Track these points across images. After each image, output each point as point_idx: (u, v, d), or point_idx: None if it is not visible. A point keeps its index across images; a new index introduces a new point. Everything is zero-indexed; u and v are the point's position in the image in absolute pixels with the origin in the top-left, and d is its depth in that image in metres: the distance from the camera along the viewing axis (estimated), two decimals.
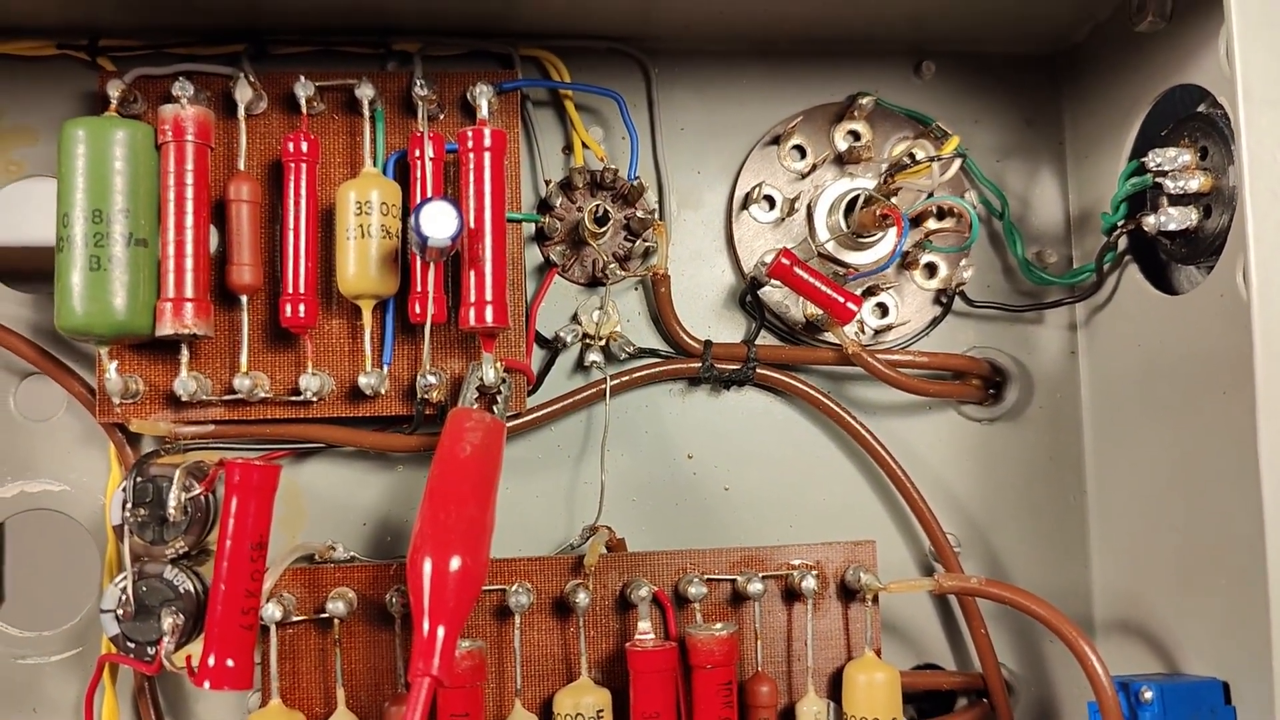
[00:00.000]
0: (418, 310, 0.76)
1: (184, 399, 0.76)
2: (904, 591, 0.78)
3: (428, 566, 0.66)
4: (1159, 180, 0.74)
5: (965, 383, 0.87)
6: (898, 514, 0.87)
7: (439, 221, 0.68)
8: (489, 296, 0.74)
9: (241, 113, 0.78)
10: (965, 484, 0.88)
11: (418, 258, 0.76)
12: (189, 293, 0.74)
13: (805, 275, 0.79)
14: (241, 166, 0.78)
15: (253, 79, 0.78)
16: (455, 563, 0.66)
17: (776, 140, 0.87)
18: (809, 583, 0.77)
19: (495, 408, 0.76)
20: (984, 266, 0.89)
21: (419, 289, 0.76)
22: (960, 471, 0.88)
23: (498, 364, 0.77)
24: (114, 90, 0.76)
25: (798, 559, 0.80)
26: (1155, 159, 0.74)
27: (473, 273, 0.74)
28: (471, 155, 0.75)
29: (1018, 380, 0.88)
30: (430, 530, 0.68)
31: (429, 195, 0.76)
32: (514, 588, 0.77)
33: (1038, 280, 0.86)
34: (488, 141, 0.75)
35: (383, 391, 0.78)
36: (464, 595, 0.67)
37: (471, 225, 0.75)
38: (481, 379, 0.76)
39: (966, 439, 0.89)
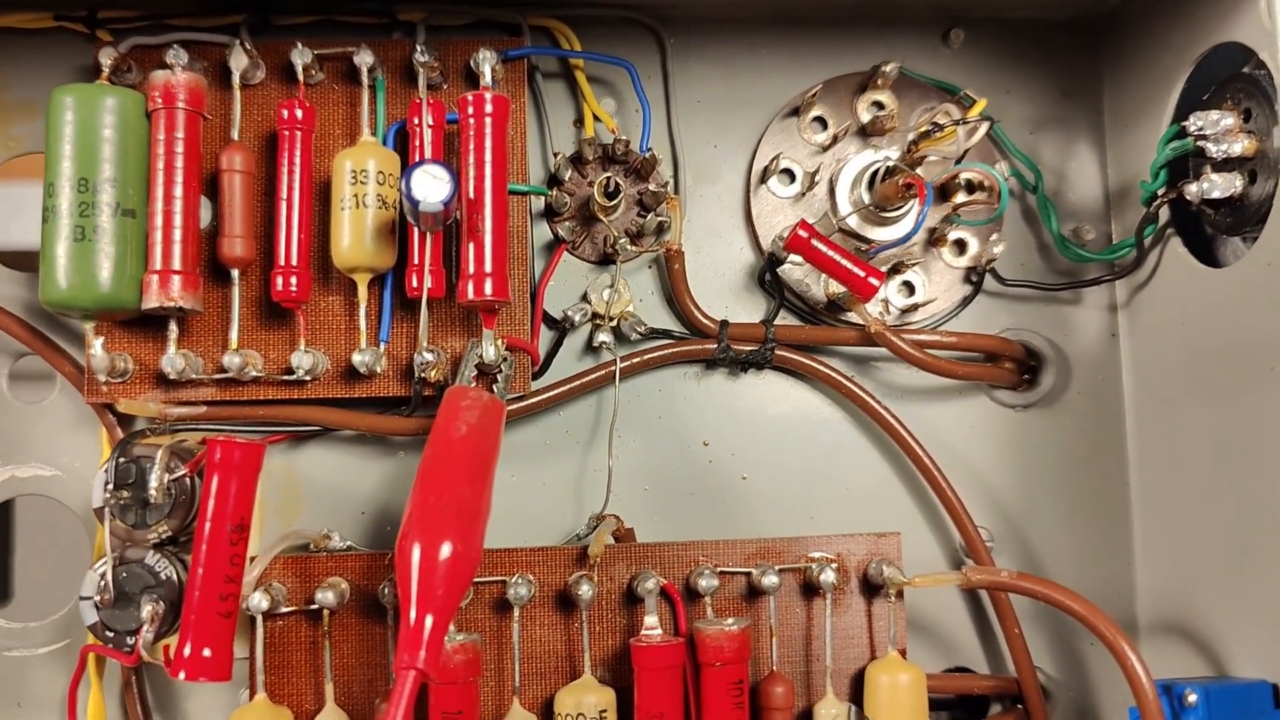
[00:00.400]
0: (414, 284, 0.73)
1: (172, 377, 0.73)
2: (930, 586, 0.72)
3: (416, 552, 0.63)
4: (1201, 144, 0.70)
5: (998, 366, 0.82)
6: (926, 506, 0.82)
7: (430, 185, 0.65)
8: (488, 269, 0.71)
9: (236, 81, 0.75)
10: (998, 474, 0.83)
11: (414, 228, 0.72)
12: (176, 265, 0.71)
13: (824, 248, 0.75)
14: (235, 136, 0.75)
15: (249, 47, 0.75)
16: (446, 548, 0.63)
17: (796, 112, 0.82)
18: (829, 576, 0.73)
19: (495, 387, 0.73)
20: (1017, 243, 0.84)
21: (416, 262, 0.73)
22: (993, 461, 0.83)
23: (499, 341, 0.73)
24: (106, 59, 0.74)
25: (817, 551, 0.75)
26: (1196, 122, 0.70)
27: (471, 244, 0.71)
28: (472, 121, 0.72)
29: (1054, 363, 0.83)
30: (420, 514, 0.65)
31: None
32: (514, 579, 0.73)
33: (1075, 257, 0.81)
34: (488, 107, 0.72)
35: (379, 371, 0.74)
36: (454, 583, 0.63)
37: (471, 195, 0.71)
38: (481, 357, 0.73)
39: (999, 426, 0.83)
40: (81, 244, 0.70)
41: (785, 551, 0.75)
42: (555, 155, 0.79)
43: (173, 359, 0.72)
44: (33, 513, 0.81)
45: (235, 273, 0.74)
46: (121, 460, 0.71)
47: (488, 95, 0.72)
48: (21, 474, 0.80)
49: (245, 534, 0.67)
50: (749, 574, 0.74)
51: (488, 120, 0.72)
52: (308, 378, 0.74)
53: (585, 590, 0.72)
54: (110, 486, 0.70)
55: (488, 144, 0.72)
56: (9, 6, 0.79)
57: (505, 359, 0.74)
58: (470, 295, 0.70)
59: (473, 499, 0.66)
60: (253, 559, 0.72)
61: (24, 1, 0.79)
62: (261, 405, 0.76)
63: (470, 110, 0.72)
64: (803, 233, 0.75)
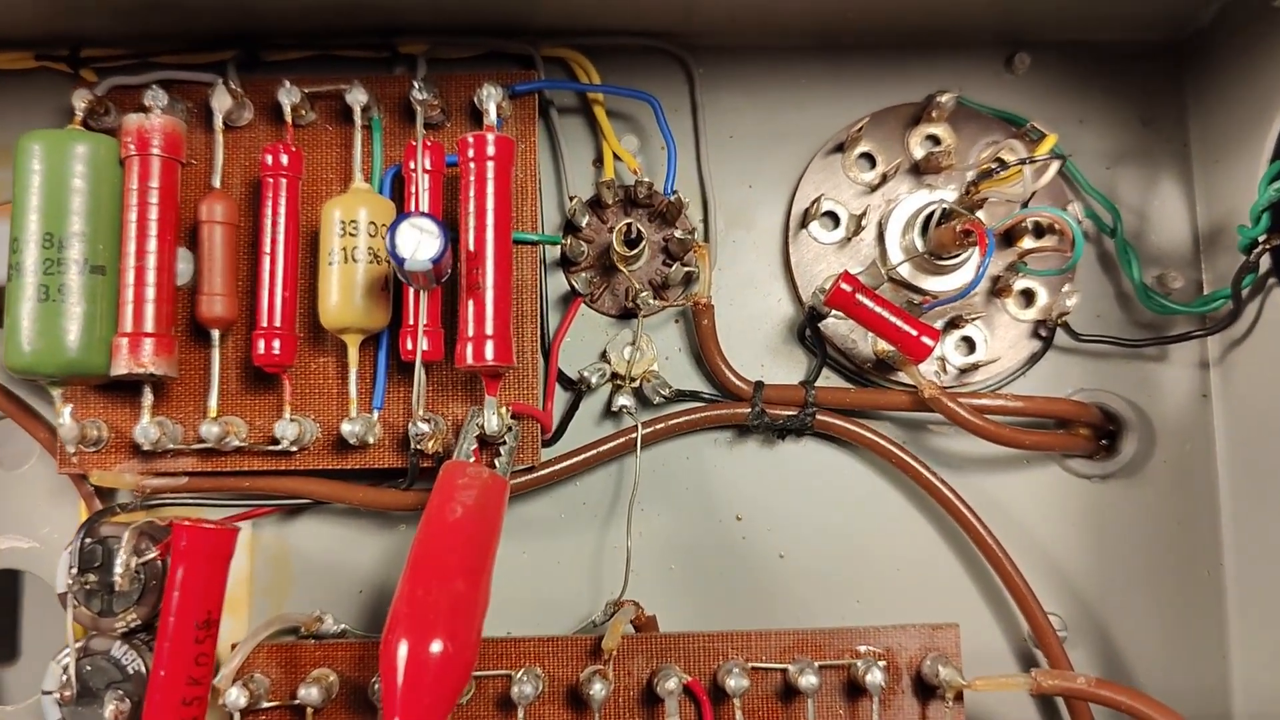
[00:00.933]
0: (409, 346, 0.65)
1: (146, 448, 0.66)
2: (994, 690, 0.63)
3: (402, 652, 0.56)
4: None
5: (1071, 432, 0.72)
6: (988, 590, 0.73)
7: (417, 240, 0.58)
8: (489, 330, 0.63)
9: (219, 123, 0.68)
10: (1072, 554, 0.74)
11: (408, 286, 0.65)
12: (148, 327, 0.65)
13: (870, 304, 0.66)
14: (217, 183, 0.68)
15: (234, 85, 0.69)
16: (436, 647, 0.56)
17: (841, 148, 0.74)
18: (876, 676, 0.64)
19: (497, 462, 0.65)
20: (1093, 293, 0.74)
21: (411, 322, 0.65)
22: (1065, 539, 0.74)
23: (502, 409, 0.66)
24: (80, 101, 0.68)
25: (864, 645, 0.66)
26: None
27: (471, 302, 0.63)
28: (472, 165, 0.65)
29: (1136, 428, 0.73)
30: (407, 609, 0.58)
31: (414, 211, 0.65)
32: (519, 674, 0.65)
33: (1160, 309, 0.72)
34: (490, 149, 0.64)
35: (372, 441, 0.67)
36: (444, 688, 0.57)
37: (470, 247, 0.64)
38: (481, 427, 0.65)
39: (1073, 499, 0.74)
40: (47, 304, 0.64)
41: (827, 645, 0.66)
42: (571, 199, 0.71)
43: (146, 429, 0.66)
44: (12, 588, 0.75)
45: (215, 333, 0.67)
46: (87, 541, 0.64)
47: (489, 136, 0.64)
48: None
49: (213, 630, 0.60)
50: (785, 670, 0.65)
51: (490, 164, 0.64)
52: (294, 448, 0.67)
53: (598, 689, 0.64)
54: (74, 570, 0.64)
55: (490, 190, 0.64)
56: None
57: (510, 429, 0.66)
58: (469, 360, 0.63)
59: (468, 592, 0.59)
60: (234, 646, 0.66)
61: (5, 41, 0.73)
62: (247, 476, 0.69)
63: (470, 153, 0.65)
64: (846, 286, 0.66)
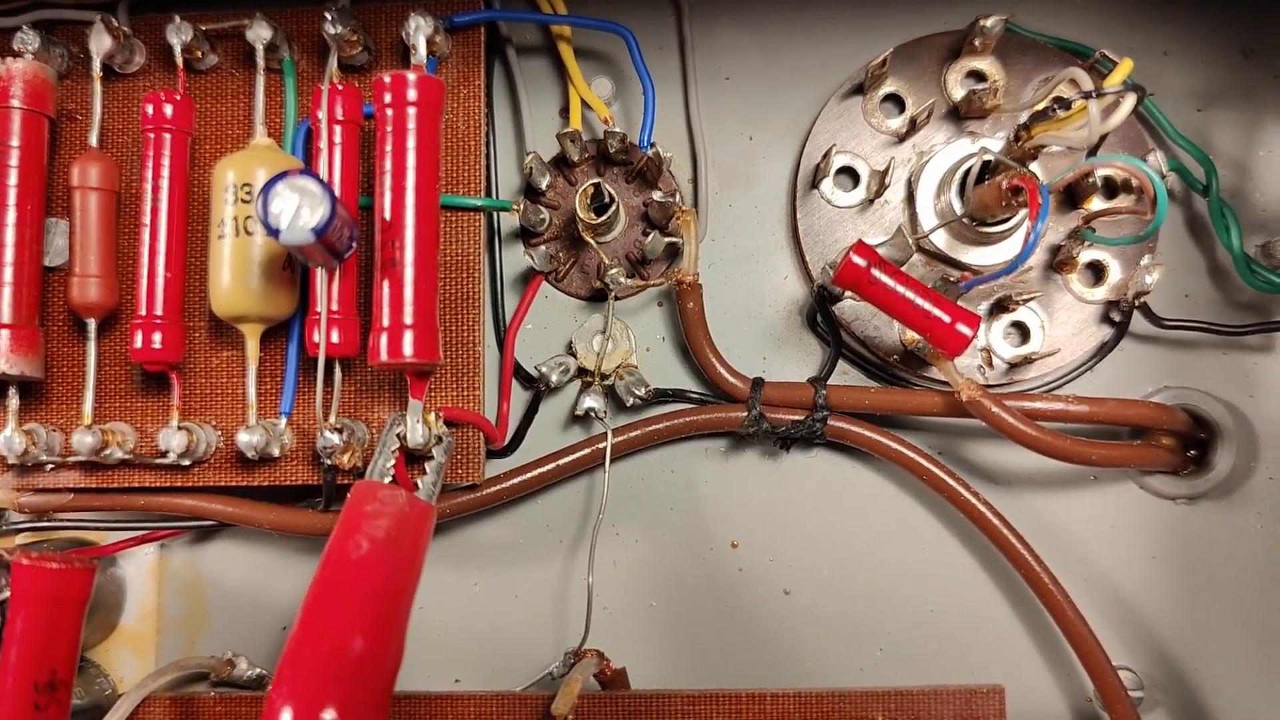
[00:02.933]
0: (315, 339, 0.53)
1: (12, 461, 0.55)
2: None
3: None
4: None
5: (1151, 442, 0.58)
6: (1042, 638, 0.59)
7: (296, 205, 0.45)
8: (408, 318, 0.51)
9: (96, 69, 0.57)
10: (1150, 594, 0.59)
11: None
12: (5, 317, 0.54)
13: (889, 281, 0.52)
14: (94, 143, 0.56)
15: (118, 23, 0.57)
16: (327, 717, 0.44)
17: (861, 89, 0.60)
18: None
19: (421, 482, 0.52)
20: (1180, 267, 0.60)
21: (317, 310, 0.53)
22: (1142, 575, 0.60)
23: (431, 415, 0.53)
24: None
25: (884, 714, 0.53)
26: None
27: (386, 284, 0.51)
28: (389, 112, 0.52)
29: (1234, 437, 0.59)
30: (291, 671, 0.46)
31: (316, 172, 0.53)
32: None
33: (1265, 286, 0.56)
34: (412, 93, 0.52)
35: (277, 453, 0.55)
36: None
37: (387, 215, 0.51)
38: (403, 437, 0.53)
39: (1152, 525, 0.60)
40: None
41: (838, 711, 0.54)
42: (528, 155, 0.58)
43: (10, 439, 0.55)
44: None
45: (92, 323, 0.56)
46: None
47: (410, 77, 0.52)
48: None
49: (60, 693, 0.49)
50: None
51: (410, 111, 0.52)
52: (186, 462, 0.55)
53: None
54: None
55: (410, 144, 0.52)
56: None
57: (440, 440, 0.53)
58: (383, 356, 0.51)
59: (370, 651, 0.47)
60: (122, 695, 0.55)
61: None
62: (142, 493, 0.58)
63: (387, 98, 0.52)
64: (859, 259, 0.52)
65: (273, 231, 0.45)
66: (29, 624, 0.48)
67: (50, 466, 0.57)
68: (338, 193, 0.54)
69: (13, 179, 0.54)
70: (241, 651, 0.61)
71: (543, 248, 0.60)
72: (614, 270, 0.58)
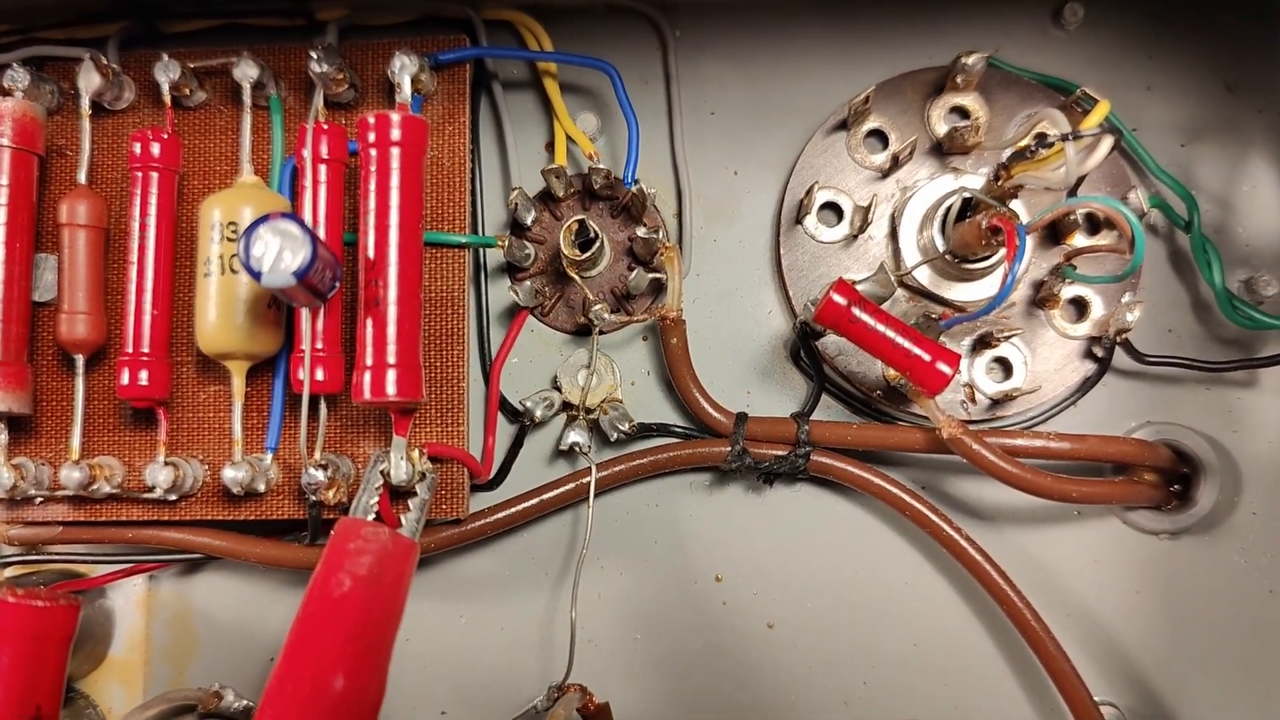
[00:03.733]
0: (300, 376, 0.53)
1: (1, 495, 0.55)
2: None
3: None
4: None
5: (1133, 479, 0.58)
6: (1024, 671, 0.60)
7: (278, 248, 0.46)
8: (391, 357, 0.51)
9: (85, 106, 0.57)
10: (1133, 629, 0.59)
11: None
12: None
13: (869, 320, 0.53)
14: (83, 179, 0.57)
15: (107, 61, 0.58)
16: None
17: (845, 124, 0.60)
18: None
19: (405, 518, 0.53)
20: (1162, 303, 0.60)
21: (301, 348, 0.54)
22: (1125, 610, 0.60)
23: (414, 452, 0.54)
24: None
25: None
26: None
27: (370, 322, 0.51)
28: (373, 152, 0.52)
29: (1216, 472, 0.59)
30: (272, 711, 0.46)
31: (302, 214, 0.54)
32: None
33: (1247, 323, 0.57)
34: (395, 133, 0.52)
35: (263, 488, 0.55)
36: None
37: (370, 254, 0.52)
38: (387, 474, 0.53)
39: (1135, 560, 0.60)
40: None
41: None
42: (513, 191, 0.59)
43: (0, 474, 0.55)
44: None
45: (80, 359, 0.56)
46: None
47: (394, 117, 0.52)
48: None
49: None
50: None
51: (394, 150, 0.52)
52: (172, 497, 0.56)
53: None
54: None
55: (394, 182, 0.52)
56: None
57: (424, 476, 0.54)
58: (366, 395, 0.51)
59: (351, 689, 0.47)
60: None
61: None
62: (130, 526, 0.58)
63: (371, 137, 0.52)
64: (839, 298, 0.53)
65: (255, 274, 0.45)
66: (14, 661, 0.48)
67: (39, 500, 0.57)
68: (322, 232, 0.54)
69: (2, 217, 0.54)
70: (229, 683, 0.61)
71: (528, 283, 0.60)
72: (598, 306, 0.58)
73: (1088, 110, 0.57)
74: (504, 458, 0.60)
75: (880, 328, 0.53)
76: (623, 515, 0.61)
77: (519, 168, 0.62)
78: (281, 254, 0.46)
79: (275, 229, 0.46)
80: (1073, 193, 0.54)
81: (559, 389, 0.60)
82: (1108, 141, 0.49)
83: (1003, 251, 0.55)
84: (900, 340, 0.53)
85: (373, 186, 0.52)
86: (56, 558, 0.60)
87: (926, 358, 0.52)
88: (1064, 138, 0.49)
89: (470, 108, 0.59)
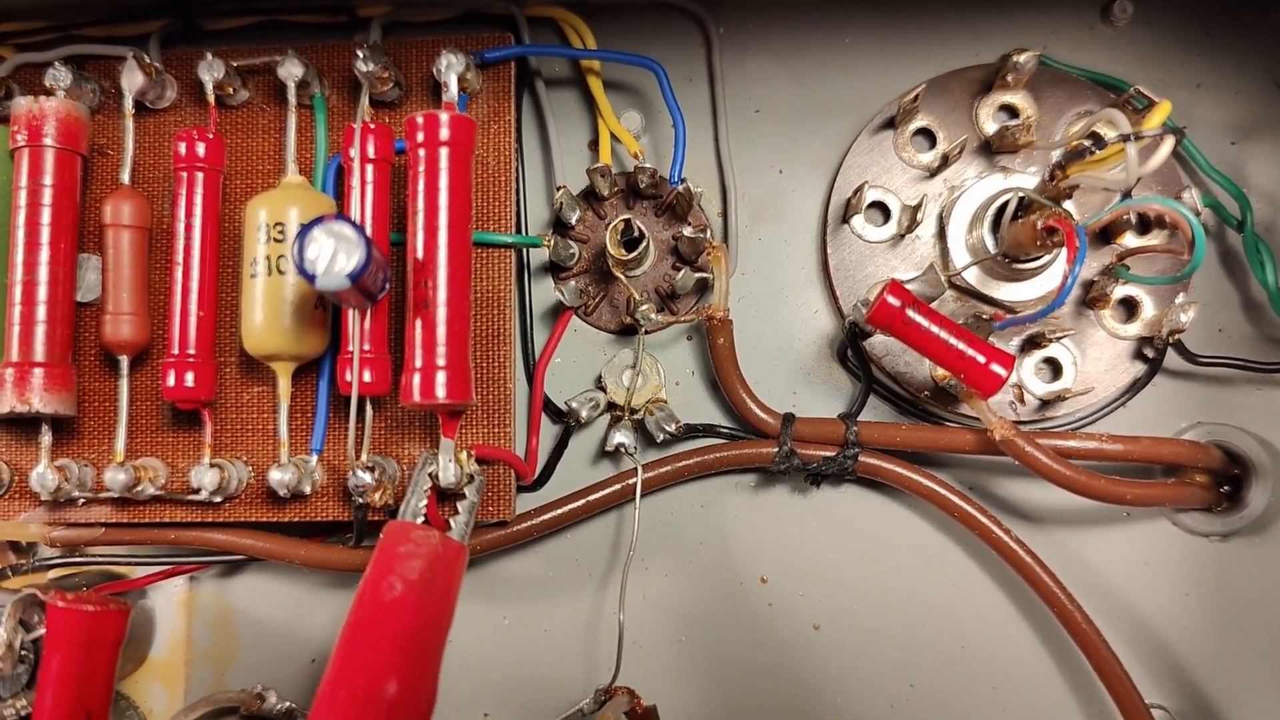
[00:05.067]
0: (347, 378, 0.53)
1: (45, 498, 0.55)
2: None
3: None
4: None
5: (1184, 480, 0.58)
6: (1073, 674, 0.59)
7: (332, 251, 0.45)
8: (441, 359, 0.51)
9: (128, 106, 0.57)
10: (1183, 631, 0.59)
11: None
12: (38, 355, 0.54)
13: (924, 322, 0.52)
14: (127, 179, 0.57)
15: (150, 59, 0.57)
16: None
17: (892, 123, 0.60)
18: None
19: (454, 521, 0.52)
20: (1213, 302, 0.59)
21: (349, 350, 0.53)
22: (1175, 612, 0.59)
23: (462, 454, 0.53)
24: None
25: None
26: None
27: (419, 324, 0.51)
28: (422, 152, 0.52)
29: (1268, 473, 0.58)
30: (324, 717, 0.46)
31: (349, 214, 0.53)
32: None
33: None
34: (444, 132, 0.52)
35: (309, 490, 0.55)
36: None
37: (419, 254, 0.51)
38: (435, 478, 0.53)
39: (1186, 562, 0.59)
40: None
41: None
42: (558, 190, 0.58)
43: (43, 475, 0.55)
44: None
45: (124, 360, 0.56)
46: None
47: (443, 116, 0.52)
48: None
49: None
50: None
51: (443, 151, 0.52)
52: (217, 498, 0.55)
53: None
54: None
55: (443, 183, 0.52)
56: None
57: (472, 479, 0.53)
58: (416, 397, 0.51)
59: (403, 694, 0.47)
60: None
61: None
62: (172, 528, 0.58)
63: (419, 137, 0.52)
64: (893, 299, 0.52)
65: (309, 277, 0.45)
66: (65, 666, 0.48)
67: (82, 501, 0.57)
68: (370, 232, 0.54)
69: (46, 218, 0.54)
70: (271, 684, 0.61)
71: (572, 282, 0.59)
72: (645, 307, 0.58)
73: (1140, 109, 0.57)
74: (548, 458, 0.60)
75: (934, 329, 0.52)
76: (667, 516, 0.61)
77: (562, 165, 0.61)
78: (336, 256, 0.45)
79: (329, 231, 0.45)
80: (1127, 195, 0.54)
81: (603, 389, 0.60)
82: (1169, 143, 0.48)
83: (1056, 252, 0.55)
84: (954, 342, 0.52)
85: (421, 187, 0.52)
86: (96, 559, 0.60)
87: (981, 360, 0.52)
88: (1125, 138, 0.48)
89: (514, 106, 0.58)
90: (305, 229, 0.45)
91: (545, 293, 0.61)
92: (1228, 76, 0.61)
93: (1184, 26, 0.61)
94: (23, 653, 0.53)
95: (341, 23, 0.62)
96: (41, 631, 0.53)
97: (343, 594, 0.62)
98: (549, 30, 0.62)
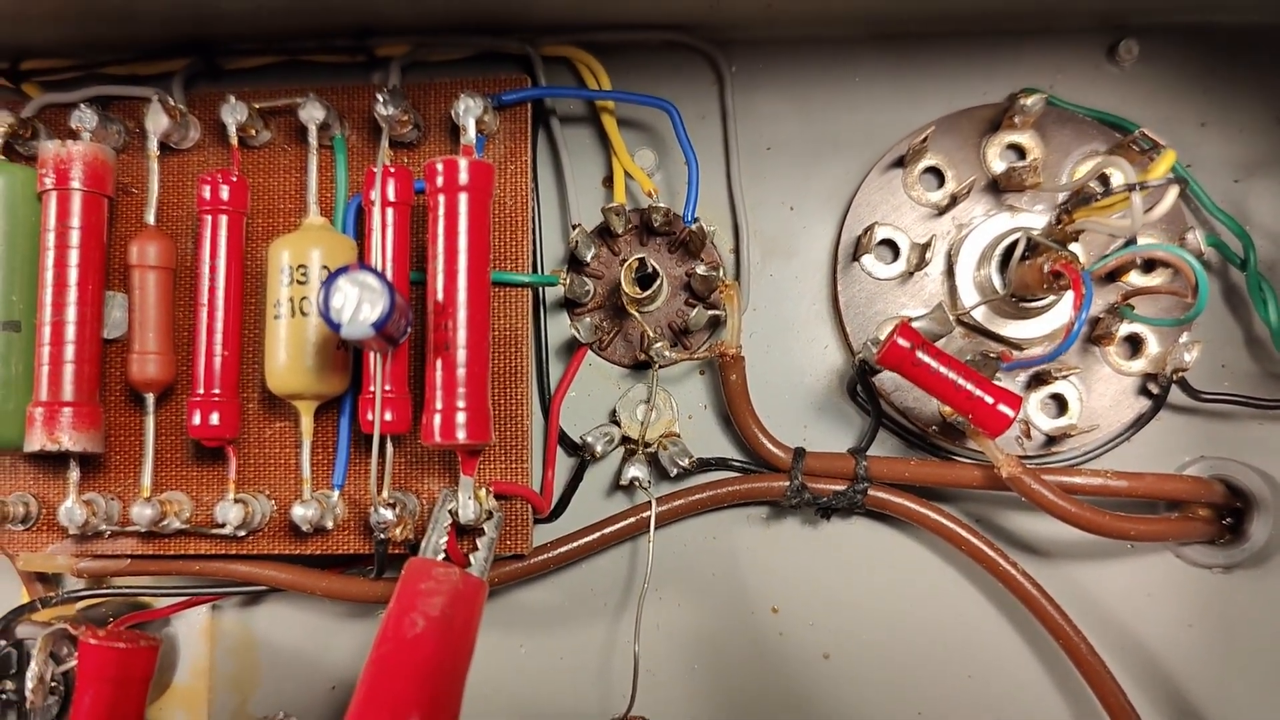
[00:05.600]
0: (369, 417, 0.54)
1: (73, 532, 0.56)
2: None
3: None
4: None
5: (1187, 515, 0.59)
6: (1077, 703, 0.60)
7: (357, 300, 0.46)
8: (461, 401, 0.52)
9: (153, 147, 0.58)
10: (1187, 662, 0.60)
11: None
12: (67, 395, 0.55)
13: (934, 364, 0.53)
14: (152, 220, 0.58)
15: (174, 101, 0.58)
16: None
17: (902, 161, 0.61)
18: None
19: (474, 557, 0.54)
20: (1217, 338, 0.61)
21: (370, 390, 0.54)
22: (1179, 643, 0.60)
23: (481, 491, 0.54)
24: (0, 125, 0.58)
25: None
26: None
27: (439, 365, 0.52)
28: (441, 197, 0.53)
29: (1270, 507, 0.59)
30: None
31: (371, 258, 0.54)
32: None
33: None
34: (463, 177, 0.53)
35: (330, 525, 0.56)
36: None
37: (439, 296, 0.52)
38: (455, 514, 0.54)
39: (1189, 594, 0.60)
40: None
41: None
42: (574, 228, 0.60)
43: (71, 510, 0.56)
44: None
45: (150, 398, 0.57)
46: (2, 644, 0.55)
47: (462, 162, 0.53)
48: None
49: None
50: None
51: (462, 196, 0.53)
52: (241, 533, 0.57)
53: None
54: None
55: (462, 227, 0.53)
56: None
57: (490, 515, 0.55)
58: (437, 438, 0.52)
59: None
60: None
61: None
62: (197, 560, 0.59)
63: (439, 181, 0.53)
64: (904, 342, 0.53)
65: (334, 326, 0.46)
66: (96, 701, 0.50)
67: (108, 534, 0.58)
68: (391, 274, 0.55)
69: (74, 259, 0.55)
70: (292, 710, 0.62)
71: (587, 319, 0.61)
72: (659, 344, 0.59)
73: (1145, 150, 0.58)
74: (563, 491, 0.61)
75: (943, 370, 0.53)
76: (680, 548, 0.62)
77: (577, 202, 0.63)
78: (360, 305, 0.46)
79: (354, 280, 0.46)
80: (1131, 242, 0.55)
81: (618, 423, 0.61)
82: (1173, 192, 0.50)
83: (1066, 295, 0.56)
84: (962, 382, 0.53)
85: (441, 230, 0.53)
86: (121, 590, 0.61)
87: (989, 400, 0.53)
88: (1130, 188, 0.49)
89: (530, 146, 0.60)
90: (331, 278, 0.46)
91: (560, 328, 0.62)
92: (1232, 115, 0.62)
93: (1188, 66, 0.62)
94: (53, 684, 0.54)
95: (359, 62, 0.63)
96: (71, 664, 0.54)
97: (362, 623, 0.63)
98: (563, 68, 0.63)
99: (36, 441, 0.54)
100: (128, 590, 0.61)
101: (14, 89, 0.64)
